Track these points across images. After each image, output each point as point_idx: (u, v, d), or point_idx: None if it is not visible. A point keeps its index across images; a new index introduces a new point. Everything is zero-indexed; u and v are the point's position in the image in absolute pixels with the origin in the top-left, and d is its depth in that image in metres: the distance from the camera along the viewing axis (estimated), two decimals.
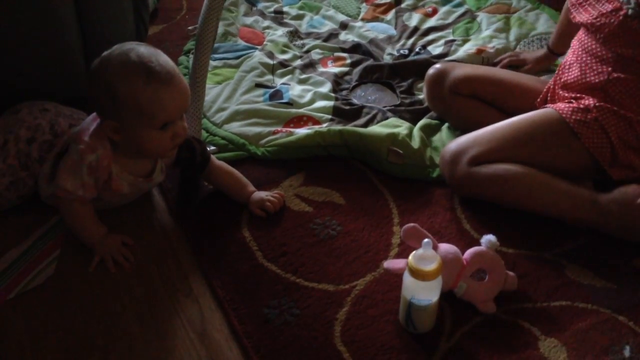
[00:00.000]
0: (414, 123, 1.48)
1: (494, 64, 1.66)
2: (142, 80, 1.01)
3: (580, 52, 1.28)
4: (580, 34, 1.30)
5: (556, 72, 1.34)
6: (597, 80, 1.23)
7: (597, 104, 1.21)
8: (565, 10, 1.44)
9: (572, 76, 1.28)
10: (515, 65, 1.62)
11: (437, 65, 1.46)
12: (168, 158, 1.18)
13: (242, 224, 1.21)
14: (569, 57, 1.31)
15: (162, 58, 1.05)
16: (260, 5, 1.93)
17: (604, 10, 1.21)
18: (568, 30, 1.41)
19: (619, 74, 1.20)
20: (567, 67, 1.30)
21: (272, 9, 1.91)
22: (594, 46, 1.24)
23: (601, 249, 1.19)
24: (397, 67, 1.67)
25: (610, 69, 1.21)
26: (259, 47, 1.73)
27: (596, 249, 1.19)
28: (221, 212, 1.24)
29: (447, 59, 1.69)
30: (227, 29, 1.76)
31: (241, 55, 1.68)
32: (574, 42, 1.32)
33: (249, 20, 1.85)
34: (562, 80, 1.30)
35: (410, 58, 1.71)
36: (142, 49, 1.05)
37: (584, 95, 1.24)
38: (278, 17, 1.88)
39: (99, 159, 1.08)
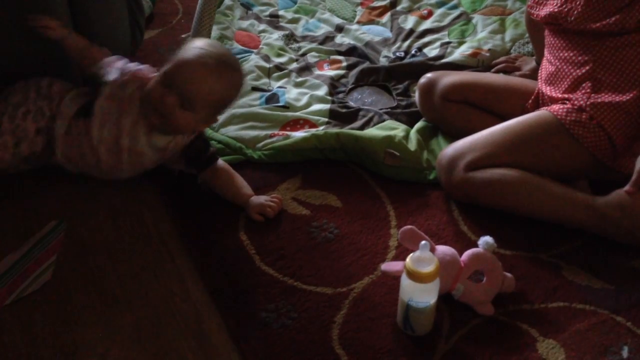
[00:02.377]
0: (411, 125, 1.48)
1: (490, 67, 1.66)
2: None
3: (554, 57, 1.29)
4: (548, 40, 1.32)
5: (540, 80, 1.35)
6: (582, 72, 1.23)
7: (589, 102, 1.21)
8: (527, 19, 1.47)
9: (558, 80, 1.29)
10: (510, 71, 1.63)
11: (428, 75, 1.47)
12: (178, 145, 1.22)
13: (240, 227, 1.21)
14: (548, 66, 1.32)
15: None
16: (256, 9, 1.93)
17: None
18: (540, 38, 1.42)
19: (601, 56, 1.21)
20: (549, 76, 1.31)
21: (267, 13, 1.91)
22: (565, 43, 1.26)
23: (599, 250, 1.19)
24: (393, 70, 1.67)
25: (590, 56, 1.22)
26: (255, 50, 1.73)
27: (594, 250, 1.19)
28: (218, 216, 1.23)
29: (442, 61, 1.69)
30: (223, 33, 1.76)
31: (238, 59, 1.68)
32: (546, 52, 1.34)
33: (245, 23, 1.85)
34: (549, 86, 1.31)
35: (406, 60, 1.71)
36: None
37: (575, 93, 1.24)
38: (274, 20, 1.88)
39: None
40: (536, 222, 1.23)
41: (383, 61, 1.73)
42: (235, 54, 1.70)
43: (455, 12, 1.93)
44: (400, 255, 1.15)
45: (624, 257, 1.18)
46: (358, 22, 1.92)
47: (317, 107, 1.51)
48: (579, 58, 1.24)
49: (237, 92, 1.21)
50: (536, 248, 1.19)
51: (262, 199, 1.24)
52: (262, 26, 1.85)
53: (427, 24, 1.89)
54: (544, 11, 1.29)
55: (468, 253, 1.09)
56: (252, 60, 1.66)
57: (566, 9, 1.23)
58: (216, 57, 1.15)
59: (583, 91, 1.23)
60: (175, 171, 1.29)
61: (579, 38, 1.23)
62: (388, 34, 1.86)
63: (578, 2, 1.21)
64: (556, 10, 1.26)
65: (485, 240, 1.10)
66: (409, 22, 1.90)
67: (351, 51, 1.76)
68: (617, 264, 1.16)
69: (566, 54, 1.27)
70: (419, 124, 1.48)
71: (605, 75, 1.22)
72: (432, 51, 1.76)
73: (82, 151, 1.21)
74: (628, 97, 1.20)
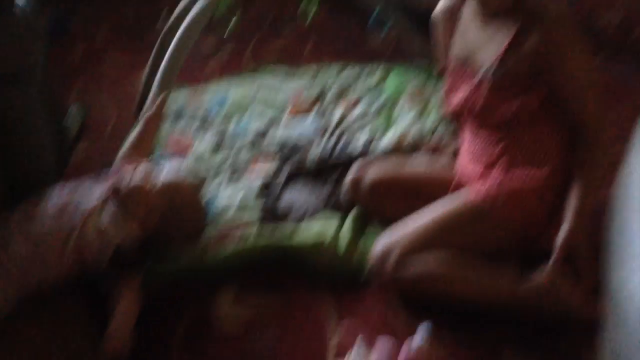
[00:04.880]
0: (346, 214, 1.51)
1: (417, 150, 1.71)
2: None
3: (471, 138, 1.36)
4: (465, 122, 1.39)
5: (460, 160, 1.40)
6: (497, 151, 1.29)
7: (506, 179, 1.27)
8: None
9: (476, 160, 1.34)
10: (436, 152, 1.68)
11: (354, 168, 1.51)
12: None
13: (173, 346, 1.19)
14: (466, 146, 1.38)
15: None
16: (187, 114, 1.96)
17: (470, 87, 1.29)
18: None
19: (513, 135, 1.27)
20: (468, 156, 1.37)
21: (198, 116, 1.95)
22: (479, 124, 1.32)
23: (539, 333, 1.20)
24: (324, 162, 1.70)
25: (502, 135, 1.28)
26: (186, 155, 1.75)
27: (535, 333, 1.20)
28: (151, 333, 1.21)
29: (370, 149, 1.74)
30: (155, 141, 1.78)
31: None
32: (464, 133, 1.40)
33: (176, 129, 1.87)
34: (469, 165, 1.37)
35: (336, 151, 1.75)
36: None
37: (492, 172, 1.30)
38: (205, 123, 1.91)
39: None
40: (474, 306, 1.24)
41: (314, 154, 1.76)
42: (166, 159, 1.72)
43: (382, 99, 1.99)
44: (343, 353, 1.14)
45: (566, 339, 1.19)
46: (289, 116, 1.96)
47: (249, 206, 1.53)
48: (493, 138, 1.30)
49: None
50: (476, 332, 1.20)
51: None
52: (193, 130, 1.87)
53: (354, 113, 1.94)
54: (454, 100, 1.36)
55: (405, 345, 1.09)
56: (184, 165, 1.67)
57: (472, 100, 1.30)
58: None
59: (500, 169, 1.29)
60: None
61: (490, 120, 1.29)
62: (318, 125, 1.91)
63: (481, 93, 1.27)
64: (463, 101, 1.32)
65: (423, 329, 1.10)
66: (338, 112, 1.95)
67: (283, 147, 1.79)
68: (560, 348, 1.17)
69: (481, 135, 1.33)
70: (354, 212, 1.51)
71: (519, 153, 1.28)
72: (360, 140, 1.80)
73: None
74: (543, 173, 1.25)
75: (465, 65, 1.31)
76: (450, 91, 1.36)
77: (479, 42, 1.27)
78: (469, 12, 1.31)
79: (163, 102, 1.51)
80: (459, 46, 1.33)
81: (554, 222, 1.24)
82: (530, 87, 1.22)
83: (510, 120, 1.25)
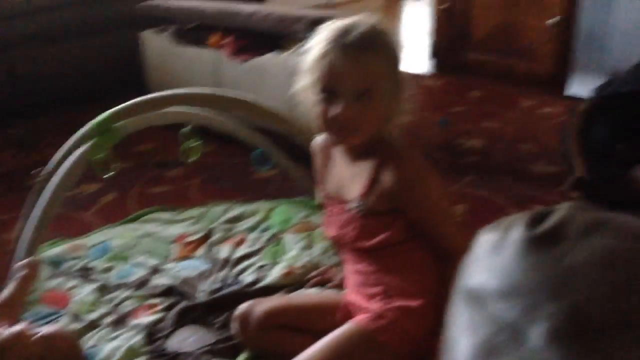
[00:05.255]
0: (234, 358, 1.46)
1: (304, 283, 1.72)
2: None
3: (351, 268, 1.39)
4: (344, 253, 1.43)
5: (346, 290, 1.42)
6: (373, 280, 1.32)
7: (385, 308, 1.29)
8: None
9: (358, 289, 1.37)
10: (324, 283, 1.70)
11: (242, 306, 1.48)
12: None
13: None
14: (348, 276, 1.41)
15: None
16: (65, 265, 1.88)
17: (343, 220, 1.34)
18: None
19: (385, 265, 1.31)
20: (351, 285, 1.39)
21: (77, 267, 1.87)
22: (355, 256, 1.36)
23: None
24: (212, 304, 1.66)
25: (376, 266, 1.32)
26: (64, 310, 1.65)
27: None
28: None
29: (259, 285, 1.73)
30: (29, 298, 1.68)
31: (44, 323, 1.59)
32: (345, 264, 1.44)
33: (53, 283, 1.78)
34: (353, 295, 1.39)
35: (224, 291, 1.72)
36: None
37: (372, 301, 1.32)
38: (84, 274, 1.84)
39: None
40: None
41: (201, 296, 1.72)
42: (41, 317, 1.62)
43: (267, 235, 2.01)
44: None
45: None
46: (174, 260, 1.93)
47: (135, 355, 1.44)
48: (369, 269, 1.34)
49: None
50: None
51: None
52: (72, 282, 1.79)
53: (241, 251, 1.94)
54: (331, 232, 1.39)
55: None
56: (61, 322, 1.58)
57: (344, 233, 1.34)
58: None
59: (378, 298, 1.31)
60: None
61: (364, 252, 1.33)
62: (204, 266, 1.88)
63: (351, 228, 1.32)
64: (337, 233, 1.36)
65: None
66: (224, 251, 1.95)
67: (168, 292, 1.74)
68: None
69: (359, 266, 1.36)
70: (241, 357, 1.46)
71: (395, 283, 1.31)
72: (248, 277, 1.79)
73: None
74: (420, 300, 1.29)
75: (338, 199, 1.36)
76: (328, 222, 1.40)
77: (347, 179, 1.33)
78: (339, 149, 1.38)
79: (37, 262, 1.42)
80: (331, 180, 1.38)
81: (437, 341, 1.26)
82: (393, 221, 1.27)
83: (382, 252, 1.30)
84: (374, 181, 1.26)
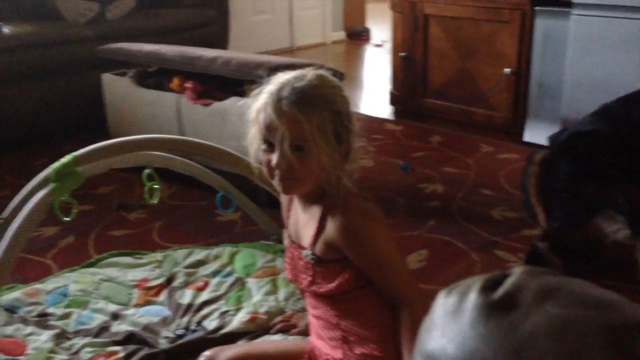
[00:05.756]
0: None
1: (268, 329, 1.71)
2: None
3: (313, 314, 1.40)
4: (306, 298, 1.43)
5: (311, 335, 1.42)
6: (333, 325, 1.33)
7: (346, 352, 1.30)
8: None
9: (320, 334, 1.37)
10: (288, 329, 1.69)
11: (205, 354, 1.46)
12: None
13: None
14: (312, 321, 1.41)
15: None
16: (22, 311, 1.82)
17: (300, 267, 1.36)
18: None
19: (343, 310, 1.31)
20: (314, 331, 1.40)
21: (35, 313, 1.82)
22: (315, 302, 1.37)
23: None
24: (174, 351, 1.64)
25: (334, 311, 1.33)
26: (21, 358, 1.60)
27: None
28: None
29: (222, 332, 1.71)
30: None
31: None
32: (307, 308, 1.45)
33: (9, 329, 1.72)
34: (317, 340, 1.39)
35: (187, 338, 1.70)
36: None
37: (333, 346, 1.33)
38: (42, 320, 1.78)
39: None
40: None
41: (163, 342, 1.69)
42: None
43: (230, 279, 2.00)
44: None
45: None
46: (135, 305, 1.89)
47: None
48: (327, 313, 1.35)
49: None
50: None
51: None
52: (29, 329, 1.74)
53: (204, 296, 1.92)
54: (291, 276, 1.41)
55: None
56: None
57: (301, 277, 1.35)
58: None
59: (338, 343, 1.32)
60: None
61: (321, 297, 1.34)
62: (167, 312, 1.85)
63: (305, 274, 1.34)
64: (294, 277, 1.37)
65: None
66: (187, 296, 1.92)
67: (129, 338, 1.71)
68: None
69: (318, 311, 1.37)
70: None
71: (351, 327, 1.32)
72: (211, 323, 1.77)
73: None
74: (379, 352, 1.29)
75: (296, 243, 1.37)
76: (288, 266, 1.41)
77: (302, 225, 1.34)
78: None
79: None
80: (292, 224, 1.40)
81: None
82: (343, 269, 1.28)
83: (337, 298, 1.31)
84: (320, 229, 1.28)
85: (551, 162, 2.07)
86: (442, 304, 0.54)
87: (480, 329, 0.48)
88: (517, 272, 0.52)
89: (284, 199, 1.45)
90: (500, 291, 0.50)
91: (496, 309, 0.49)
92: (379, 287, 1.29)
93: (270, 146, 1.21)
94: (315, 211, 1.29)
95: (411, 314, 1.25)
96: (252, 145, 1.26)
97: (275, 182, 1.25)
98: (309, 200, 1.31)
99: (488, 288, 0.51)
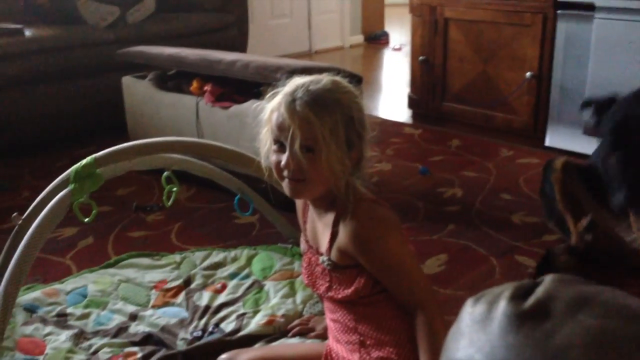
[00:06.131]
0: None
1: (286, 332, 1.70)
2: None
3: (330, 317, 1.38)
4: (324, 302, 1.42)
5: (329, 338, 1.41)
6: (350, 328, 1.32)
7: (363, 356, 1.29)
8: None
9: (338, 337, 1.36)
10: (306, 333, 1.68)
11: (221, 358, 1.46)
12: None
13: None
14: (330, 324, 1.40)
15: None
16: (42, 311, 1.83)
17: (317, 273, 1.35)
18: None
19: (360, 314, 1.30)
20: (332, 334, 1.38)
21: (54, 313, 1.83)
22: (332, 305, 1.35)
23: None
24: (191, 353, 1.63)
25: (352, 315, 1.31)
26: (40, 357, 1.61)
27: None
28: None
29: (239, 334, 1.70)
30: (3, 344, 1.63)
31: None
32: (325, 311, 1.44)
33: (29, 329, 1.74)
34: (335, 344, 1.38)
35: (204, 340, 1.70)
36: None
37: (351, 350, 1.32)
38: (61, 320, 1.80)
39: None
40: None
41: (180, 344, 1.69)
42: None
43: (248, 282, 2.00)
44: None
45: None
46: (153, 307, 1.89)
47: None
48: (345, 317, 1.33)
49: None
50: None
51: None
52: (48, 328, 1.75)
53: (222, 298, 1.92)
54: (306, 281, 1.40)
55: None
56: None
57: (319, 283, 1.35)
58: None
59: (355, 347, 1.31)
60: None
61: (338, 302, 1.33)
62: (184, 314, 1.85)
63: (322, 280, 1.33)
64: (309, 284, 1.37)
65: None
66: (204, 298, 1.92)
67: (146, 339, 1.71)
68: None
69: (335, 315, 1.36)
70: None
71: (368, 331, 1.31)
72: (229, 325, 1.77)
73: None
74: (391, 348, 1.28)
75: (314, 248, 1.36)
76: (304, 269, 1.40)
77: (319, 231, 1.33)
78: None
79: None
80: (308, 230, 1.39)
81: None
82: (358, 275, 1.27)
83: (354, 302, 1.29)
84: (333, 237, 1.27)
85: (573, 169, 2.03)
86: (470, 312, 0.52)
87: (510, 339, 0.47)
88: (547, 280, 0.51)
89: (299, 203, 1.44)
90: (531, 300, 0.48)
91: (527, 318, 0.47)
92: (393, 293, 1.27)
93: (281, 146, 1.22)
94: (329, 217, 1.28)
95: (426, 321, 1.24)
96: (264, 145, 1.27)
97: (285, 185, 1.25)
98: (322, 206, 1.30)
99: (518, 297, 0.49)
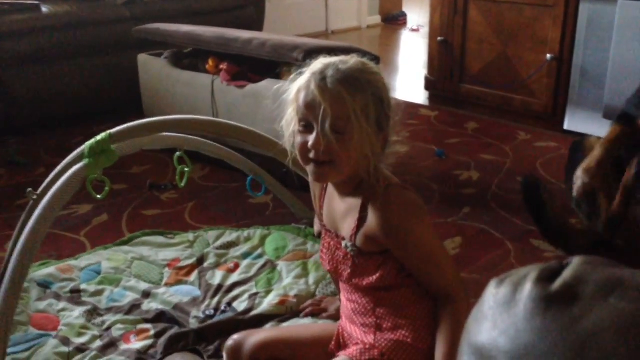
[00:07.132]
0: None
1: (298, 312, 1.70)
2: None
3: (346, 299, 1.36)
4: (339, 284, 1.40)
5: (341, 319, 1.40)
6: (368, 311, 1.30)
7: (377, 339, 1.27)
8: None
9: (352, 319, 1.34)
10: (318, 313, 1.67)
11: (234, 337, 1.45)
12: None
13: None
14: (344, 306, 1.39)
15: None
16: (55, 287, 1.84)
17: (338, 256, 1.32)
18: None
19: (379, 299, 1.28)
20: (346, 315, 1.37)
21: (68, 289, 1.84)
22: (350, 288, 1.33)
23: None
24: (204, 331, 1.64)
25: (370, 298, 1.29)
26: (54, 333, 1.62)
27: None
28: None
29: (252, 313, 1.70)
30: (17, 319, 1.64)
31: (33, 346, 1.56)
32: (341, 294, 1.42)
33: (42, 304, 1.75)
34: (348, 324, 1.36)
35: (216, 318, 1.70)
36: None
37: (365, 332, 1.30)
38: (75, 296, 1.80)
39: None
40: None
41: (193, 322, 1.70)
42: (29, 339, 1.59)
43: (261, 261, 1.99)
44: None
45: None
46: (166, 285, 1.90)
47: None
48: (363, 301, 1.31)
49: None
50: None
51: None
52: (62, 304, 1.76)
53: (234, 277, 1.92)
54: (327, 264, 1.37)
55: None
56: (49, 346, 1.54)
57: (340, 268, 1.32)
58: None
59: (371, 329, 1.29)
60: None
61: (359, 286, 1.31)
62: (197, 292, 1.86)
63: (345, 266, 1.30)
64: (333, 267, 1.34)
65: None
66: (217, 277, 1.92)
67: (159, 317, 1.71)
68: None
69: (354, 296, 1.34)
70: None
71: (386, 315, 1.29)
72: (241, 304, 1.77)
73: None
74: (411, 340, 1.26)
75: (333, 232, 1.33)
76: (324, 254, 1.38)
77: (340, 215, 1.30)
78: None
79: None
80: (327, 213, 1.36)
81: None
82: (384, 261, 1.25)
83: (376, 288, 1.27)
84: (360, 222, 1.24)
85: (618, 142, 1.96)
86: (494, 294, 0.50)
87: (536, 323, 0.45)
88: (575, 262, 0.48)
89: (315, 187, 1.41)
90: (559, 282, 0.46)
91: (554, 301, 0.45)
92: (421, 282, 1.25)
93: (307, 127, 1.17)
94: (354, 202, 1.25)
95: (454, 312, 1.21)
96: (289, 126, 1.22)
97: (310, 169, 1.20)
98: (345, 189, 1.26)
99: (545, 279, 0.47)
